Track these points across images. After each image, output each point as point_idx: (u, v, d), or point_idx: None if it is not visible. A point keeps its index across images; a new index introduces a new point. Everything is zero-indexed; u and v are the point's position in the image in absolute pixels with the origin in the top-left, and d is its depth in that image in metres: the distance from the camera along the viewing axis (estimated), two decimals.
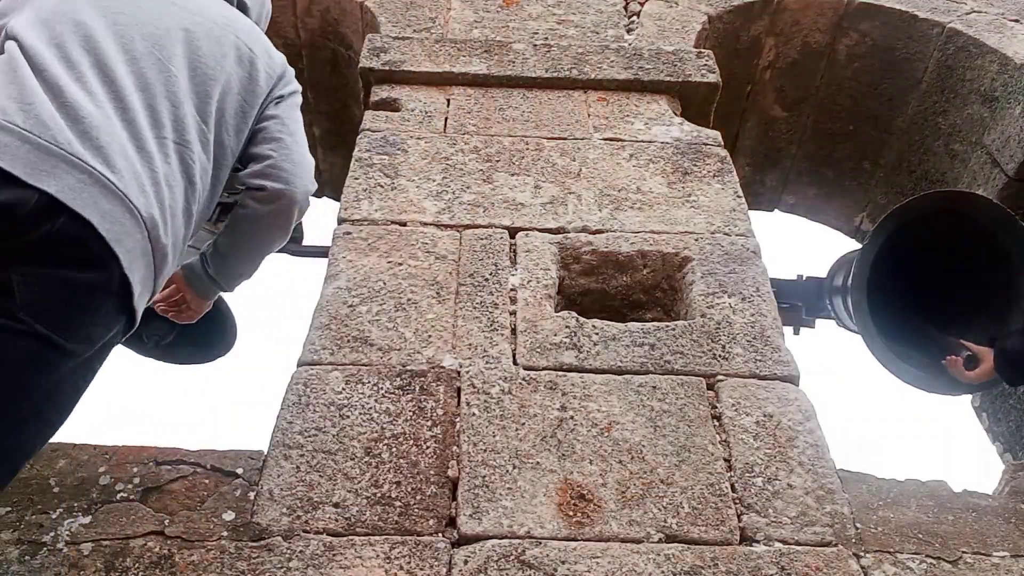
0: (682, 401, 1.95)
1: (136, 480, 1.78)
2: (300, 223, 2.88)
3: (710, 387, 2.01)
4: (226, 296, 2.62)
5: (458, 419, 1.88)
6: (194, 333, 2.63)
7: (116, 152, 1.38)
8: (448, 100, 2.80)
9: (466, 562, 1.61)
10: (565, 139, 2.67)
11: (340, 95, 3.62)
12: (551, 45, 2.99)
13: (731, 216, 2.45)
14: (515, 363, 2.01)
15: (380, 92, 2.83)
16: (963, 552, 1.77)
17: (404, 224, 2.35)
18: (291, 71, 1.84)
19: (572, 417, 1.89)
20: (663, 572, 1.62)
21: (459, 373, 1.98)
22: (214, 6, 1.73)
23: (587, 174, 2.55)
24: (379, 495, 1.72)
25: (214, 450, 1.87)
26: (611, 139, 2.69)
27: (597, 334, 2.10)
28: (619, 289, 2.37)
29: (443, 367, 1.99)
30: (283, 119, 1.76)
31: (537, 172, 2.54)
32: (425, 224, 2.35)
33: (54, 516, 1.70)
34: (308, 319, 2.09)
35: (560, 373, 1.99)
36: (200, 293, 1.90)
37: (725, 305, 2.19)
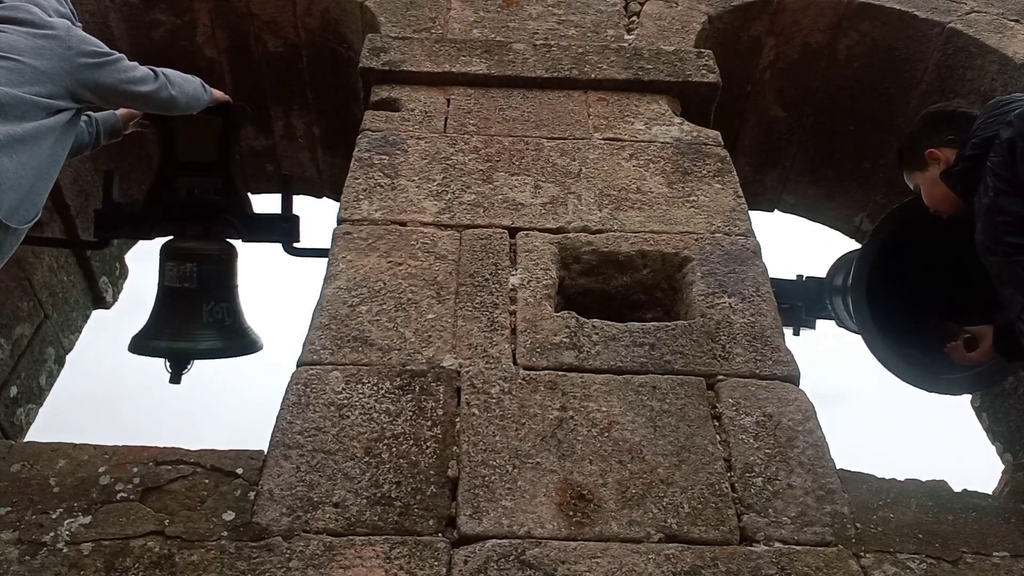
0: (682, 401, 1.95)
1: (136, 480, 1.78)
2: (297, 222, 2.92)
3: (710, 387, 2.01)
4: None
5: (458, 419, 1.88)
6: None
7: None
8: (448, 100, 2.80)
9: (466, 562, 1.61)
10: (565, 139, 2.67)
11: (340, 95, 3.62)
12: (551, 45, 2.99)
13: (731, 216, 2.45)
14: (515, 363, 2.01)
15: (380, 92, 2.83)
16: (963, 552, 1.77)
17: (404, 224, 2.35)
18: None
19: (572, 417, 1.89)
20: (663, 572, 1.62)
21: (459, 373, 1.98)
22: None
23: (587, 174, 2.55)
24: (379, 495, 1.72)
25: (214, 450, 1.87)
26: (611, 139, 2.69)
27: (597, 334, 2.10)
28: (619, 289, 2.37)
29: (443, 367, 1.99)
30: None
31: (537, 172, 2.54)
32: (425, 224, 2.35)
33: (54, 516, 1.70)
34: (308, 319, 2.09)
35: (560, 373, 1.99)
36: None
37: (725, 305, 2.19)
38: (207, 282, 2.83)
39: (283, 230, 2.95)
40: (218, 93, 2.63)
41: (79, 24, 2.16)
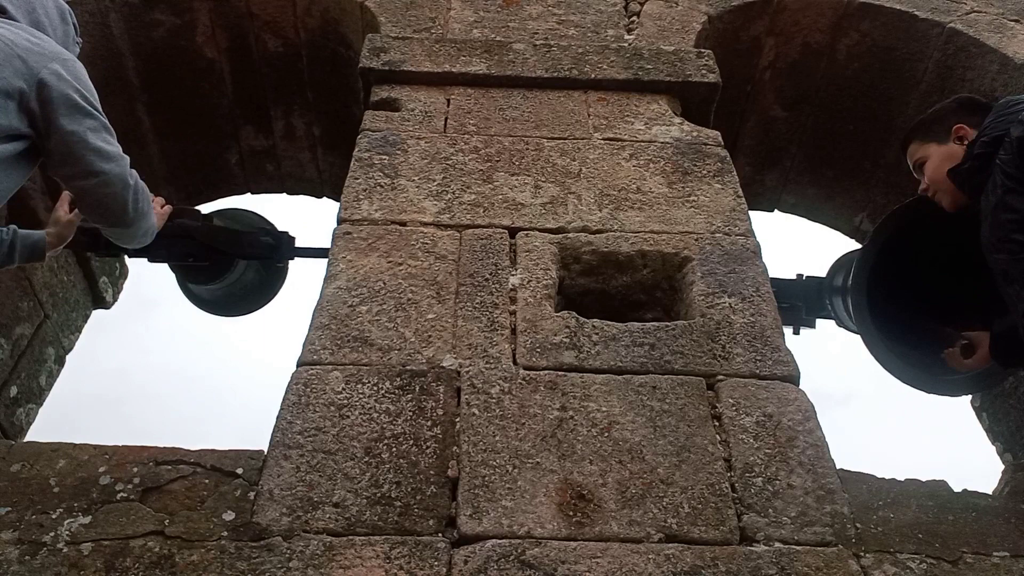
0: (682, 401, 1.95)
1: (136, 480, 1.78)
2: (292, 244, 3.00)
3: (710, 387, 2.00)
4: None
5: (458, 419, 1.88)
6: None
7: None
8: (448, 100, 2.80)
9: (466, 562, 1.61)
10: (565, 139, 2.67)
11: (340, 95, 3.62)
12: (551, 45, 2.99)
13: (731, 216, 2.45)
14: (515, 363, 2.01)
15: (380, 92, 2.83)
16: (963, 552, 1.77)
17: (404, 224, 2.35)
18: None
19: (572, 417, 1.89)
20: (663, 572, 1.62)
21: (459, 373, 1.98)
22: None
23: (587, 174, 2.55)
24: (379, 495, 1.72)
25: (214, 450, 1.87)
26: (611, 139, 2.69)
27: (597, 334, 2.10)
28: (619, 289, 2.37)
29: (443, 367, 1.99)
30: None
31: (537, 172, 2.54)
32: (425, 224, 2.35)
33: (54, 516, 1.70)
34: (308, 319, 2.09)
35: (560, 373, 1.99)
36: None
37: (725, 305, 2.19)
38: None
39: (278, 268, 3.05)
40: (162, 215, 2.36)
41: (79, 42, 2.01)
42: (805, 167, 3.92)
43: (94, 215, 1.95)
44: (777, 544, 1.69)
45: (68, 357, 3.52)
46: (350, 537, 1.65)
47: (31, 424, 3.21)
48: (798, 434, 1.91)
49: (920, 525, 1.83)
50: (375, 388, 1.93)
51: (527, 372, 1.99)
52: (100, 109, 1.84)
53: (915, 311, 2.87)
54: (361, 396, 1.91)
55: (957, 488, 2.01)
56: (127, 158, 1.90)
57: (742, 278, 2.27)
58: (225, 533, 1.66)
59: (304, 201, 4.18)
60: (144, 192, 1.96)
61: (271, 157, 3.98)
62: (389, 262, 2.23)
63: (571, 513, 1.71)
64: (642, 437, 1.87)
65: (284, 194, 4.13)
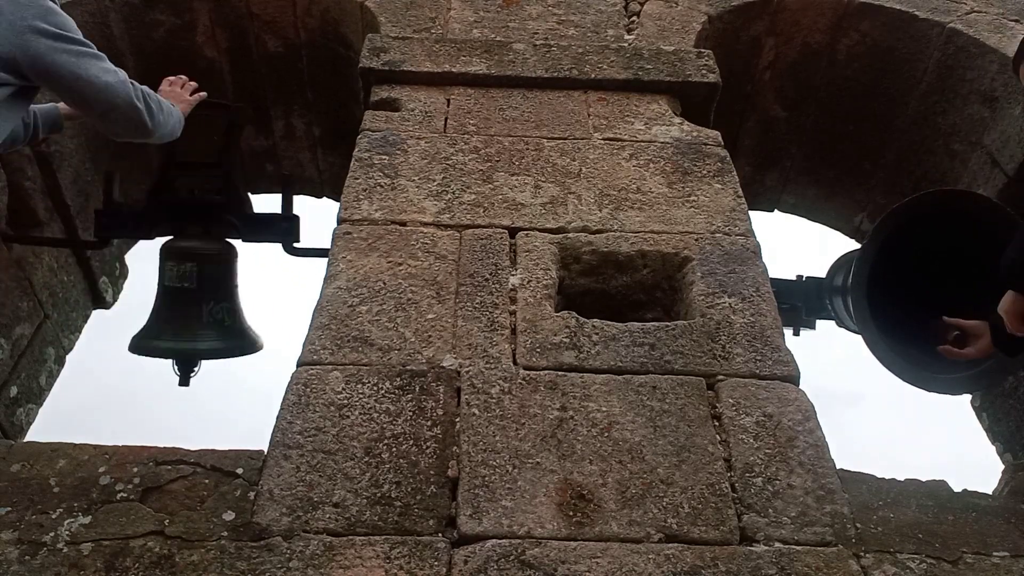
0: (682, 401, 1.95)
1: (136, 480, 1.78)
2: (297, 222, 2.93)
3: (710, 387, 2.01)
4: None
5: (458, 419, 1.88)
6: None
7: None
8: (448, 100, 2.80)
9: (466, 562, 1.61)
10: (565, 139, 2.67)
11: (340, 95, 3.62)
12: (551, 45, 2.99)
13: (731, 216, 2.45)
14: (515, 363, 2.01)
15: (380, 92, 2.83)
16: (963, 552, 1.77)
17: (404, 224, 2.35)
18: None
19: (572, 417, 1.89)
20: (663, 572, 1.62)
21: (459, 373, 1.98)
22: None
23: (587, 174, 2.55)
24: (379, 495, 1.72)
25: (214, 450, 1.87)
26: (611, 139, 2.69)
27: (597, 334, 2.10)
28: (619, 289, 2.37)
29: (443, 367, 1.99)
30: None
31: (537, 172, 2.54)
32: (425, 224, 2.35)
33: (54, 516, 1.70)
34: (308, 319, 2.09)
35: (560, 373, 1.99)
36: None
37: (725, 305, 2.19)
38: (206, 282, 2.85)
39: (283, 230, 2.96)
40: (190, 102, 2.41)
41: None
42: (805, 167, 3.92)
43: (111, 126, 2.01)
44: (777, 544, 1.69)
45: (68, 357, 3.52)
46: (350, 537, 1.65)
47: (31, 424, 3.21)
48: (798, 434, 1.91)
49: (920, 525, 1.83)
50: (375, 388, 1.93)
51: (527, 372, 1.99)
52: (81, 38, 1.84)
53: (916, 309, 2.87)
54: (361, 396, 1.91)
55: (957, 488, 2.01)
56: (130, 84, 1.93)
57: (742, 278, 2.27)
58: (225, 533, 1.66)
59: (304, 201, 4.19)
60: (165, 111, 2.04)
61: (271, 157, 3.98)
62: (389, 262, 2.23)
63: (571, 513, 1.71)
64: (642, 437, 1.87)
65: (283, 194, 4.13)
